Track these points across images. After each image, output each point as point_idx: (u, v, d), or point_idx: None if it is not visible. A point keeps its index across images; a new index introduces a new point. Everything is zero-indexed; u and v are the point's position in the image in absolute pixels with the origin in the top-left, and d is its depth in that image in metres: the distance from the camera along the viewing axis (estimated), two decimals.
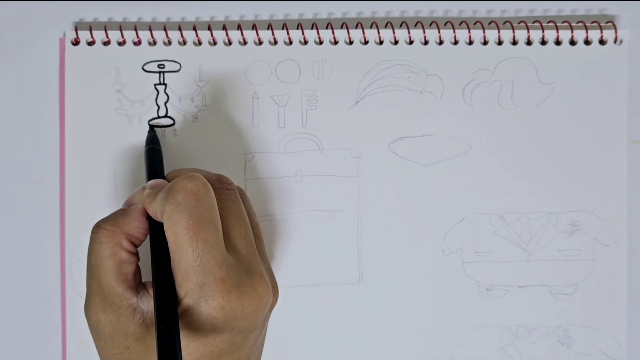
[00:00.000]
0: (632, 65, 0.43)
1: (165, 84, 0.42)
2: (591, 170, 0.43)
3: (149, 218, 0.35)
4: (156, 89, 0.42)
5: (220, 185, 0.36)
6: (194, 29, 0.42)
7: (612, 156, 0.43)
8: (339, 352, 0.43)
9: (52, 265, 0.42)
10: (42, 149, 0.42)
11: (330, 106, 0.42)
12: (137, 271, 0.35)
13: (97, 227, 0.34)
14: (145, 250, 0.35)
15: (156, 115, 0.42)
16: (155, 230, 0.34)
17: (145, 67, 0.42)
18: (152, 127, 0.41)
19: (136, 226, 0.34)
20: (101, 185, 0.41)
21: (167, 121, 0.42)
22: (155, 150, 0.40)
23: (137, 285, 0.34)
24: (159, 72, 0.42)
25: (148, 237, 0.35)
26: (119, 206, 0.41)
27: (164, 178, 0.38)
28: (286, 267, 0.42)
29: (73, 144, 0.42)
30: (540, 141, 0.43)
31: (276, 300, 0.36)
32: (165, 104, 0.42)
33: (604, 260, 0.43)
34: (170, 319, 0.31)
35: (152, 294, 0.33)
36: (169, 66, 0.42)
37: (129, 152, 0.42)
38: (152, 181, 0.36)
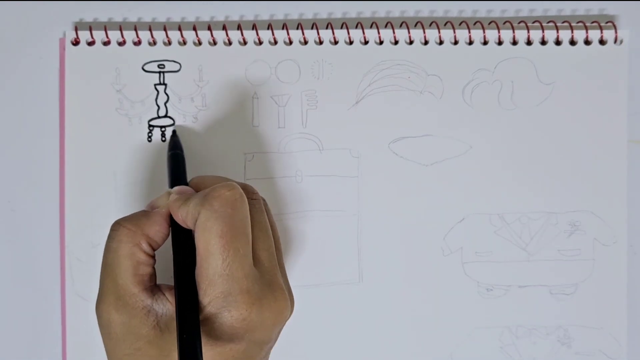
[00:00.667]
0: (632, 65, 0.43)
1: (165, 84, 0.42)
2: (591, 170, 0.43)
3: (171, 223, 0.35)
4: (156, 89, 0.42)
5: (246, 195, 0.35)
6: (194, 29, 0.42)
7: (612, 156, 0.43)
8: (339, 352, 0.43)
9: (52, 265, 0.42)
10: (42, 149, 0.42)
11: (330, 106, 0.42)
12: (153, 274, 0.34)
13: (118, 225, 0.34)
14: (160, 253, 0.35)
15: (156, 115, 0.42)
16: (179, 235, 0.34)
17: (145, 67, 0.42)
18: (174, 132, 0.41)
19: (157, 230, 0.34)
20: (101, 185, 0.41)
21: (167, 121, 0.42)
22: (178, 156, 0.40)
23: (153, 288, 0.34)
24: (159, 72, 0.42)
25: (166, 242, 0.35)
26: (118, 206, 0.41)
27: (186, 184, 0.38)
28: (286, 267, 0.42)
29: (73, 144, 0.42)
30: (540, 141, 0.43)
31: (291, 314, 0.36)
32: (165, 104, 0.42)
33: (604, 260, 0.43)
34: (193, 327, 0.31)
35: (167, 297, 0.33)
36: (169, 66, 0.42)
37: (129, 152, 0.42)
38: (179, 187, 0.36)
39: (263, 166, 0.42)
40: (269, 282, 0.34)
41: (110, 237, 0.34)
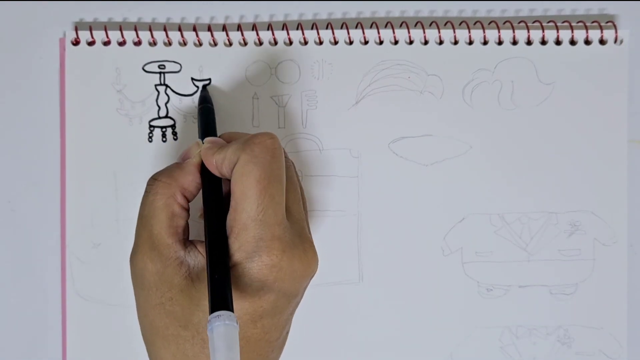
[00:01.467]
0: (632, 65, 0.43)
1: (165, 85, 0.42)
2: (591, 170, 0.43)
3: (202, 172, 0.35)
4: (157, 89, 0.42)
5: None
6: (195, 29, 0.42)
7: (612, 156, 0.43)
8: (339, 352, 0.43)
9: (52, 265, 0.42)
10: (42, 149, 0.42)
11: (330, 106, 0.42)
12: (187, 227, 0.35)
13: (153, 180, 0.35)
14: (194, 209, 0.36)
15: (157, 116, 0.42)
16: (210, 183, 0.35)
17: (145, 68, 0.42)
18: (204, 86, 0.41)
19: (191, 180, 0.35)
20: (101, 185, 0.42)
21: (168, 121, 0.42)
22: (209, 110, 0.40)
23: (185, 241, 0.35)
24: (160, 73, 0.42)
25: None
26: (118, 206, 0.41)
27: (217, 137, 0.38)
28: None
29: (73, 144, 0.42)
30: (540, 141, 0.43)
31: (315, 272, 0.36)
32: (165, 104, 0.42)
33: (604, 260, 0.43)
34: (223, 268, 0.31)
35: (199, 250, 0.34)
36: (169, 67, 0.42)
37: (129, 152, 0.42)
38: (210, 138, 0.37)
39: None
40: (298, 234, 0.34)
41: (146, 192, 0.35)
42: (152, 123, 0.42)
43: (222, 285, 0.31)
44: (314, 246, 0.35)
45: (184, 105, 0.42)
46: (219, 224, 0.33)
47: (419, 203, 0.43)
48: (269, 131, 0.35)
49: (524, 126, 0.43)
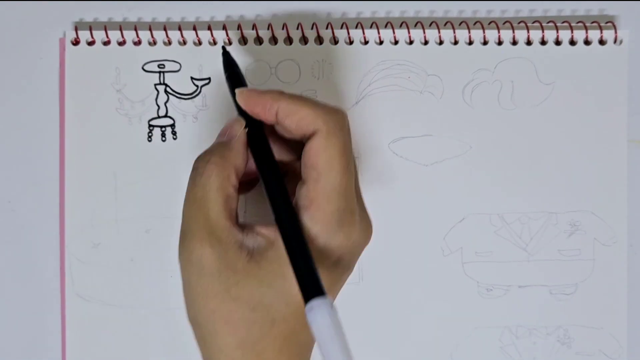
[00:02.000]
0: (632, 65, 0.43)
1: (165, 84, 0.42)
2: (591, 170, 0.43)
3: (254, 149, 0.34)
4: (156, 88, 0.42)
5: None
6: (194, 29, 0.42)
7: (612, 156, 0.43)
8: None
9: (52, 265, 0.42)
10: (42, 149, 0.42)
11: None
12: (237, 208, 0.34)
13: (204, 161, 0.33)
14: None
15: (156, 115, 0.42)
16: (267, 158, 0.34)
17: (145, 67, 0.42)
18: (224, 48, 0.38)
19: (242, 159, 0.34)
20: (101, 185, 0.41)
21: (167, 121, 0.42)
22: (237, 75, 0.37)
23: (240, 223, 0.34)
24: (159, 72, 0.42)
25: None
26: (118, 206, 0.41)
27: None
28: None
29: (73, 144, 0.42)
30: (540, 141, 0.43)
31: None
32: (165, 104, 0.42)
33: (604, 260, 0.43)
34: (305, 251, 0.31)
35: (257, 231, 0.33)
36: (169, 66, 0.42)
37: (129, 152, 0.42)
38: (248, 88, 0.35)
39: None
40: (361, 205, 0.35)
41: (197, 173, 0.33)
42: (152, 122, 0.42)
43: (308, 269, 0.30)
44: (370, 220, 0.35)
45: (184, 105, 0.42)
46: (286, 202, 0.32)
47: (418, 203, 0.43)
48: (337, 107, 0.34)
49: (524, 126, 0.43)
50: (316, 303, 0.28)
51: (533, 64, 0.43)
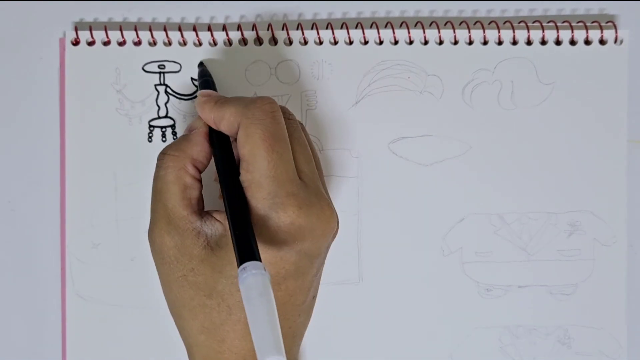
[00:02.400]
0: (632, 65, 0.43)
1: (165, 85, 0.42)
2: (591, 170, 0.43)
3: (209, 134, 0.36)
4: (156, 89, 0.42)
5: (283, 114, 0.36)
6: (194, 29, 0.42)
7: (612, 156, 0.43)
8: (338, 352, 0.43)
9: (52, 265, 0.42)
10: (42, 149, 0.42)
11: (330, 106, 0.42)
12: (201, 198, 0.35)
13: (163, 154, 0.35)
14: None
15: (156, 116, 0.42)
16: (220, 144, 0.35)
17: (145, 68, 0.42)
18: (202, 62, 0.41)
19: (199, 150, 0.35)
20: (101, 185, 0.41)
21: (168, 121, 0.42)
22: (208, 82, 0.40)
23: (201, 211, 0.35)
24: (160, 73, 0.42)
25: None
26: (118, 206, 0.42)
27: None
28: None
29: (73, 144, 0.42)
30: (540, 141, 0.43)
31: (337, 232, 0.36)
32: (165, 104, 0.42)
33: (604, 261, 0.43)
34: (245, 222, 0.31)
35: (215, 217, 0.34)
36: (169, 67, 0.42)
37: (129, 152, 0.42)
38: (204, 90, 0.37)
39: None
40: (314, 192, 0.34)
41: (157, 167, 0.35)
42: (152, 123, 0.42)
43: (245, 237, 0.31)
44: (332, 204, 0.35)
45: (184, 105, 0.42)
46: (235, 181, 0.34)
47: (418, 203, 0.43)
48: (267, 96, 0.35)
49: (523, 126, 0.43)
50: (247, 265, 0.29)
51: (533, 64, 0.43)
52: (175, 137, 0.42)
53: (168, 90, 0.42)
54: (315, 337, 0.43)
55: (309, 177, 0.35)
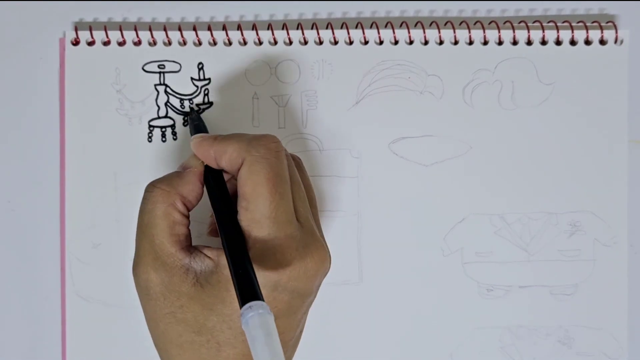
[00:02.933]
0: (632, 65, 0.43)
1: (165, 85, 0.42)
2: (591, 170, 0.43)
3: (205, 174, 0.35)
4: (156, 89, 0.42)
5: None
6: (194, 29, 0.42)
7: (612, 156, 0.43)
8: (338, 352, 0.43)
9: (52, 265, 0.42)
10: (42, 149, 0.42)
11: (330, 106, 0.42)
12: (189, 234, 0.35)
13: (152, 187, 0.35)
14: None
15: (156, 116, 0.42)
16: (217, 184, 0.35)
17: (145, 68, 0.42)
18: (192, 109, 0.41)
19: (191, 189, 0.35)
20: (101, 185, 0.41)
21: (167, 121, 0.42)
22: (200, 127, 0.40)
23: (189, 247, 0.34)
24: (159, 73, 0.42)
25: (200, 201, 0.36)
26: (119, 206, 0.41)
27: None
28: None
29: (73, 144, 0.42)
30: (541, 141, 0.43)
31: (328, 270, 0.36)
32: (165, 104, 0.42)
33: (605, 261, 0.43)
34: (246, 262, 0.31)
35: (204, 253, 0.34)
36: (169, 66, 0.42)
37: (129, 152, 0.42)
38: (199, 134, 0.37)
39: None
40: (310, 232, 0.34)
41: (145, 199, 0.35)
42: (152, 123, 0.42)
43: (247, 277, 0.30)
44: (325, 244, 0.35)
45: (184, 105, 0.42)
46: (233, 220, 0.33)
47: (419, 203, 0.43)
48: (270, 133, 0.35)
49: (524, 126, 0.43)
50: (251, 306, 0.29)
51: (533, 64, 0.43)
52: (175, 137, 0.42)
53: (168, 90, 0.42)
54: (316, 337, 0.43)
55: (304, 217, 0.35)
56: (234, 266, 0.31)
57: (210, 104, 0.42)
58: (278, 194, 0.33)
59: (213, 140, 0.35)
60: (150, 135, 0.42)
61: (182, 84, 0.42)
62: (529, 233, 0.43)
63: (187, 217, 0.35)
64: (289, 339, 0.34)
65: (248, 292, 0.30)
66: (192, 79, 0.42)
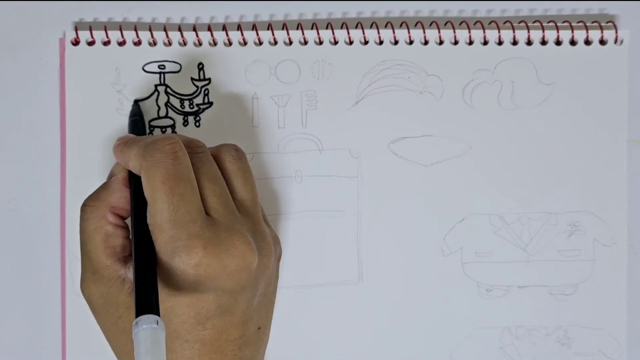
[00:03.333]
0: (632, 65, 0.43)
1: (165, 85, 0.42)
2: (591, 171, 0.43)
3: (130, 182, 0.36)
4: (156, 89, 0.42)
5: (190, 149, 0.35)
6: (194, 29, 0.42)
7: (612, 156, 0.43)
8: (338, 352, 0.43)
9: (52, 265, 0.42)
10: (42, 149, 0.42)
11: (330, 106, 0.42)
12: (127, 244, 0.35)
13: (83, 205, 0.35)
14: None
15: (157, 116, 0.42)
16: (135, 189, 0.35)
17: (145, 68, 0.42)
18: (136, 101, 0.41)
19: (118, 196, 0.35)
20: None
21: (167, 122, 0.42)
22: (137, 122, 0.40)
23: (126, 258, 0.35)
24: (160, 73, 0.42)
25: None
26: None
27: None
28: (286, 267, 0.42)
29: (73, 144, 0.42)
30: (540, 141, 0.43)
31: (279, 255, 0.37)
32: (165, 104, 0.42)
33: (604, 261, 0.43)
34: (146, 271, 0.32)
35: None
36: (169, 67, 0.42)
37: None
38: (122, 136, 0.37)
39: (263, 166, 0.42)
40: (226, 228, 0.33)
41: (80, 219, 0.35)
42: (152, 123, 0.42)
43: (144, 289, 0.31)
44: (246, 237, 0.34)
45: (184, 106, 0.42)
46: (143, 227, 0.33)
47: (418, 203, 0.43)
48: (169, 135, 0.35)
49: (524, 126, 0.43)
50: (139, 320, 0.29)
51: (533, 64, 0.43)
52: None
53: (168, 90, 0.42)
54: (316, 337, 0.43)
55: (219, 212, 0.34)
56: (135, 276, 0.32)
57: (210, 104, 0.42)
58: (177, 196, 0.33)
59: (123, 145, 0.36)
60: (151, 133, 0.42)
61: (182, 84, 0.42)
62: (529, 233, 0.43)
63: (123, 226, 0.35)
64: (237, 337, 0.34)
65: (141, 305, 0.30)
66: (192, 79, 0.42)
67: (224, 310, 0.33)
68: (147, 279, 0.31)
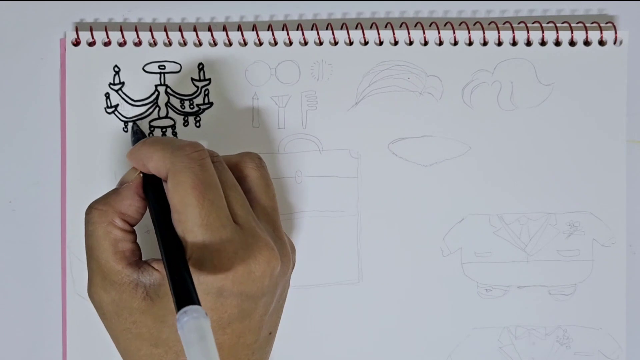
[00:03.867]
0: (632, 65, 0.43)
1: (165, 85, 0.42)
2: (590, 171, 0.43)
3: (143, 182, 0.36)
4: (157, 89, 0.42)
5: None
6: (195, 29, 0.42)
7: (611, 156, 0.43)
8: (339, 352, 0.43)
9: (52, 265, 0.42)
10: (43, 149, 0.42)
11: (330, 107, 0.42)
12: (136, 249, 0.35)
13: (90, 208, 0.35)
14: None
15: (157, 116, 0.42)
16: (155, 194, 0.35)
17: (145, 68, 0.42)
18: (135, 123, 0.41)
19: (129, 204, 0.35)
20: (102, 185, 0.41)
21: (168, 122, 0.42)
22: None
23: (137, 262, 0.34)
24: (160, 73, 0.42)
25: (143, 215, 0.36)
26: None
27: None
28: None
29: (74, 144, 0.42)
30: (540, 142, 0.43)
31: (293, 265, 0.36)
32: (165, 104, 0.42)
33: (603, 261, 0.43)
34: (182, 267, 0.31)
35: (153, 266, 0.34)
36: (169, 67, 0.42)
37: None
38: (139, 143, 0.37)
39: None
40: (251, 234, 0.34)
41: (86, 222, 0.35)
42: (152, 123, 0.42)
43: (183, 282, 0.30)
44: (269, 242, 0.34)
45: (184, 106, 0.42)
46: (169, 228, 0.33)
47: (418, 204, 0.43)
48: (194, 142, 0.35)
49: (523, 127, 0.43)
50: (185, 311, 0.29)
51: (532, 65, 0.43)
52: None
53: (168, 90, 0.42)
54: (315, 337, 0.43)
55: (243, 219, 0.34)
56: (169, 272, 0.31)
57: (211, 104, 0.42)
58: (207, 201, 0.33)
59: (142, 143, 0.35)
60: (150, 135, 0.42)
61: (182, 84, 0.42)
62: (528, 233, 0.43)
63: (131, 232, 0.35)
64: (252, 342, 0.34)
65: (183, 296, 0.30)
66: (192, 79, 0.42)
67: (245, 315, 0.33)
68: (183, 273, 0.31)
